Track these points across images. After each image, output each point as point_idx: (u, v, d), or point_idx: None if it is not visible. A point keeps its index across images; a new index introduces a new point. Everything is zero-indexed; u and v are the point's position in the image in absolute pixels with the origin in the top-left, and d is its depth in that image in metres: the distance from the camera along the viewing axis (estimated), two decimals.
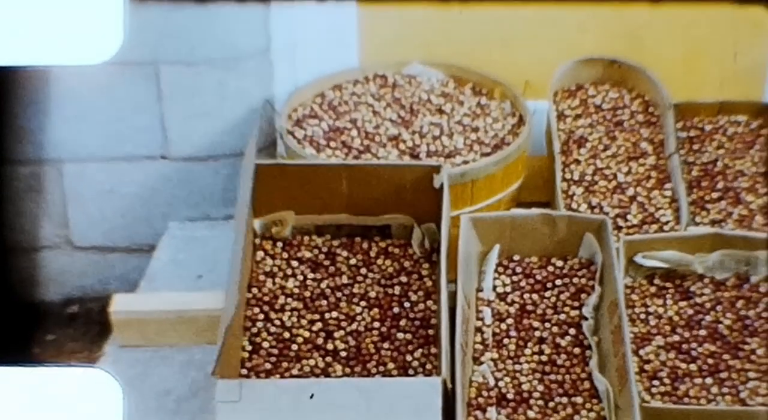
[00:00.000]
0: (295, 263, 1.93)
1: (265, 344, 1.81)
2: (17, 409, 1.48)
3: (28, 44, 1.53)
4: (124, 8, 1.53)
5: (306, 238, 1.97)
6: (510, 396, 1.75)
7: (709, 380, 1.83)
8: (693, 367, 1.85)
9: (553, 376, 1.79)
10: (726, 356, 1.86)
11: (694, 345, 1.88)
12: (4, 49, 1.53)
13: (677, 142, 2.28)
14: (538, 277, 1.92)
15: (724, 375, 1.83)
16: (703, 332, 1.90)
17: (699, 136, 2.39)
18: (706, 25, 2.48)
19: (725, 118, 2.42)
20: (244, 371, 1.76)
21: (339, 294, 1.89)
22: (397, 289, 1.90)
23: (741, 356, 1.86)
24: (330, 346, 1.81)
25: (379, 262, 1.95)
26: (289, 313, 1.85)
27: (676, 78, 2.41)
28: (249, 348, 1.80)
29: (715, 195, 2.28)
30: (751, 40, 2.49)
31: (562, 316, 1.87)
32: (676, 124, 2.31)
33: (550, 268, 1.94)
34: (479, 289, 1.90)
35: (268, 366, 1.77)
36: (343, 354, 1.80)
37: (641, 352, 1.87)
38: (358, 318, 1.86)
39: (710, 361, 1.85)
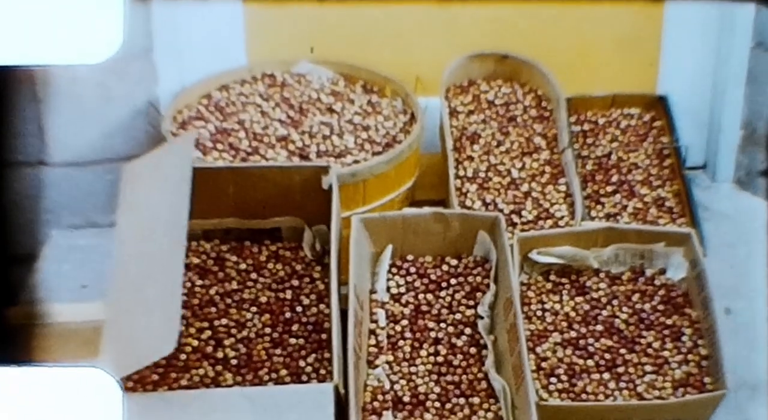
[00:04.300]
0: None
1: None
2: (14, 409, 1.42)
3: (24, 44, 1.48)
4: (124, 6, 1.50)
5: (193, 243, 1.91)
6: (406, 399, 1.72)
7: (606, 375, 1.82)
8: (590, 362, 1.84)
9: (449, 377, 1.76)
10: (623, 351, 1.85)
11: (591, 340, 1.87)
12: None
13: (571, 136, 2.27)
14: (433, 277, 1.89)
15: (621, 369, 1.83)
16: (599, 327, 1.89)
17: (592, 130, 2.39)
18: (598, 19, 2.48)
19: (618, 111, 2.43)
20: (130, 384, 1.69)
21: (228, 300, 1.84)
22: (288, 294, 1.85)
23: (637, 350, 1.85)
24: (220, 355, 1.75)
25: (270, 266, 1.90)
26: None
27: (568, 72, 2.40)
28: None
29: (609, 188, 2.28)
30: (643, 32, 2.49)
31: (458, 316, 1.84)
32: (569, 118, 2.30)
33: (445, 268, 1.90)
34: (372, 291, 1.86)
35: (155, 377, 1.71)
36: (234, 362, 1.75)
37: (538, 349, 1.85)
38: (249, 324, 1.80)
39: (607, 356, 1.84)
